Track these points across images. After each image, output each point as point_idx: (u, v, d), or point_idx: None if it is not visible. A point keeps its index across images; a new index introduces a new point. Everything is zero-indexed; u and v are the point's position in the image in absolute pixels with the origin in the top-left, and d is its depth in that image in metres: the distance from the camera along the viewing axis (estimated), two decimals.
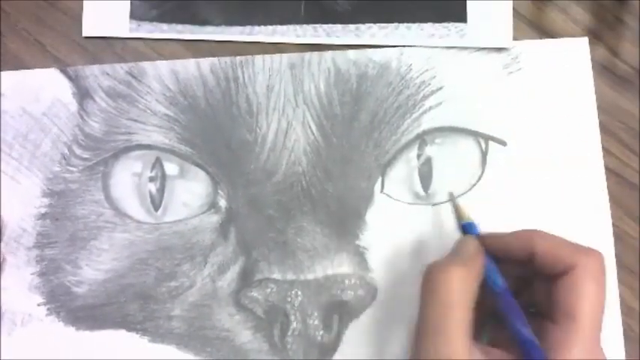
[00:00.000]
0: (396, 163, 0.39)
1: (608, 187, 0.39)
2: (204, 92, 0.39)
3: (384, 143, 0.39)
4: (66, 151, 0.39)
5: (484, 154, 0.39)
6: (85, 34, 0.40)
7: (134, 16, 0.40)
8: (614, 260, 0.39)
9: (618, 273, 0.39)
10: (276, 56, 0.40)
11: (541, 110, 0.40)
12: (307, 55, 0.40)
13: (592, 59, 0.40)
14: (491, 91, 0.40)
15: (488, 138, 0.39)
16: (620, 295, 0.39)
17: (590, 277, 0.31)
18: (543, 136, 0.39)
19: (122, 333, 0.38)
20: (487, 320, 0.34)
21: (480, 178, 0.39)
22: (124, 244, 0.38)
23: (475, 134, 0.39)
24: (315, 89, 0.39)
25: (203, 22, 0.40)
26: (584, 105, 0.40)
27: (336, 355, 0.38)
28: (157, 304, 0.38)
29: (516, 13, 0.41)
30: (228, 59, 0.40)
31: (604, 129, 0.40)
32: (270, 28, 0.40)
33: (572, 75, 0.40)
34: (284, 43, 0.40)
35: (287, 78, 0.40)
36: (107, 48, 0.40)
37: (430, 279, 0.32)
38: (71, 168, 0.39)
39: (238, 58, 0.40)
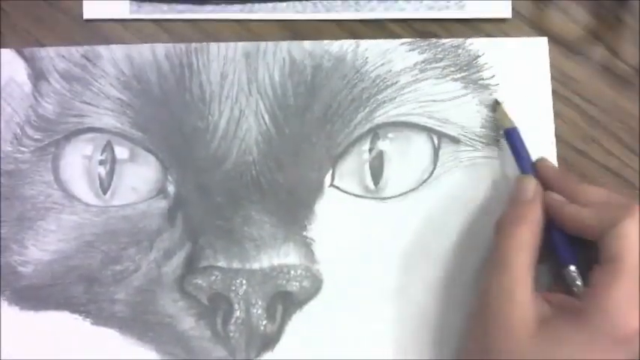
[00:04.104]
0: (347, 156, 0.39)
1: (608, 187, 0.39)
2: (157, 78, 0.39)
3: (336, 135, 0.39)
4: (18, 131, 0.39)
5: (436, 151, 0.39)
6: (86, 16, 0.40)
7: None
8: None
9: None
10: (232, 44, 0.40)
11: (496, 109, 0.39)
12: (262, 44, 0.40)
13: (592, 59, 0.41)
14: (446, 87, 0.40)
15: (441, 134, 0.39)
16: None
17: (635, 226, 0.32)
18: (496, 135, 0.39)
19: (65, 314, 0.38)
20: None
21: (431, 174, 0.39)
22: (71, 226, 0.38)
23: (428, 130, 0.39)
24: (269, 79, 0.39)
25: (203, 1, 0.40)
26: (541, 105, 0.40)
27: (279, 346, 0.38)
28: (102, 287, 0.38)
29: (516, 13, 0.41)
30: (183, 46, 0.40)
31: (604, 129, 0.40)
32: (270, 5, 0.40)
33: (530, 75, 0.40)
34: (284, 20, 0.40)
35: (241, 66, 0.39)
36: (105, 42, 0.40)
37: (499, 229, 0.35)
38: (22, 148, 0.39)
39: (193, 44, 0.40)
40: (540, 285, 0.35)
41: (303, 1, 0.40)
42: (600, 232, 0.33)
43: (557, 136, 0.40)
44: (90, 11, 0.41)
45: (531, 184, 0.36)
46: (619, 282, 0.31)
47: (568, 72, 0.41)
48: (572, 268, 0.35)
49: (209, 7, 0.41)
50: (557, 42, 0.41)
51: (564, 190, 0.35)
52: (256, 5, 0.40)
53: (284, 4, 0.40)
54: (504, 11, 0.41)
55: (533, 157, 0.38)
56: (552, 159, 0.39)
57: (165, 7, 0.40)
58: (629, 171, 0.40)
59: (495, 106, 0.39)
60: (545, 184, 0.36)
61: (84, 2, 0.41)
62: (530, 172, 0.37)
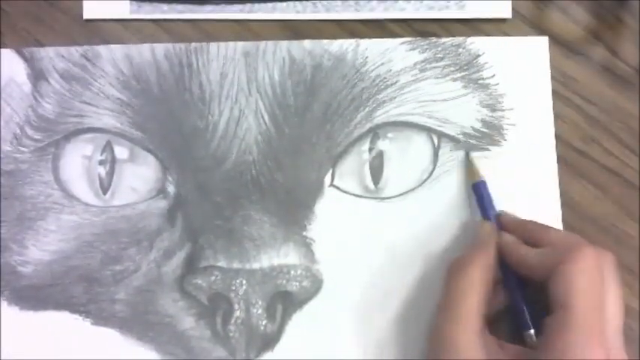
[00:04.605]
0: (347, 155, 0.39)
1: (608, 187, 0.40)
2: (157, 77, 0.39)
3: (336, 135, 0.39)
4: (18, 131, 0.39)
5: (436, 151, 0.39)
6: (86, 16, 0.40)
7: None
8: None
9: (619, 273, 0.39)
10: (231, 44, 0.40)
11: (495, 109, 0.39)
12: (262, 44, 0.40)
13: (592, 59, 0.41)
14: (446, 87, 0.39)
15: (440, 134, 0.39)
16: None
17: (581, 271, 0.31)
18: (496, 134, 0.39)
19: (65, 314, 0.38)
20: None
21: (431, 174, 0.39)
22: (71, 226, 0.38)
23: (428, 130, 0.39)
24: (269, 78, 0.39)
25: (203, 1, 0.40)
26: (541, 104, 0.40)
27: (279, 346, 0.38)
28: (102, 287, 0.38)
29: (516, 13, 0.41)
30: (182, 45, 0.40)
31: (604, 129, 0.40)
32: (269, 5, 0.40)
33: (530, 74, 0.40)
34: (284, 20, 0.40)
35: (241, 66, 0.39)
36: (105, 42, 0.40)
37: (450, 270, 0.35)
38: (22, 148, 0.39)
39: (193, 44, 0.40)
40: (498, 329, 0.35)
41: (303, 1, 0.40)
42: (545, 274, 0.32)
43: (557, 136, 0.40)
44: (90, 11, 0.41)
45: (488, 227, 0.36)
46: (569, 332, 0.30)
47: (568, 72, 0.41)
48: (530, 331, 0.34)
49: (209, 7, 0.41)
50: (557, 42, 0.41)
51: (526, 236, 0.35)
52: (256, 5, 0.40)
53: (284, 4, 0.40)
54: (504, 11, 0.41)
55: (533, 155, 0.39)
56: (552, 159, 0.39)
57: (165, 7, 0.40)
58: (629, 171, 0.40)
59: (466, 157, 0.39)
60: (506, 231, 0.36)
61: (84, 2, 0.41)
62: (493, 219, 0.37)
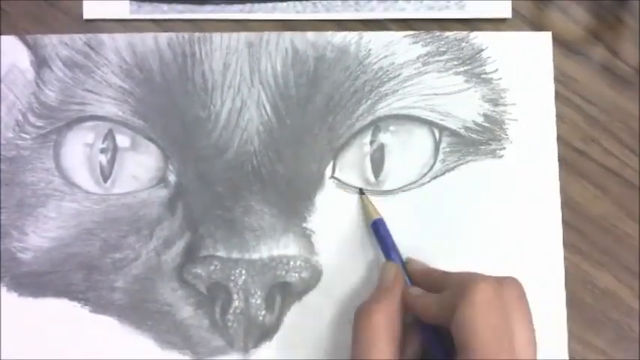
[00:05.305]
0: (348, 147, 0.39)
1: (608, 187, 0.40)
2: (160, 66, 0.39)
3: (337, 127, 0.39)
4: (20, 117, 0.39)
5: (437, 144, 0.39)
6: (86, 16, 0.40)
7: None
8: (562, 259, 0.39)
9: (619, 273, 0.39)
10: (234, 34, 0.40)
11: (498, 103, 0.39)
12: (265, 34, 0.40)
13: (592, 59, 0.41)
14: (449, 81, 0.39)
15: (442, 128, 0.39)
16: (620, 295, 0.39)
17: (476, 307, 0.30)
18: (498, 129, 0.39)
19: (64, 301, 0.38)
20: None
21: (431, 168, 0.39)
22: (72, 214, 0.39)
23: (430, 124, 0.39)
24: (271, 69, 0.39)
25: (203, 1, 0.40)
26: (543, 99, 0.40)
27: (277, 336, 0.38)
28: (101, 275, 0.38)
29: (516, 13, 0.41)
30: (186, 35, 0.40)
31: (604, 129, 0.40)
32: (269, 5, 0.40)
33: (532, 69, 0.40)
34: (284, 20, 0.40)
35: (244, 56, 0.39)
36: None
37: (355, 318, 0.33)
38: (24, 135, 0.39)
39: (196, 34, 0.40)
40: None
41: (303, 1, 0.40)
42: (446, 320, 0.31)
43: (557, 136, 0.40)
44: (90, 11, 0.41)
45: (392, 270, 0.35)
46: None
47: (568, 72, 0.41)
48: None
49: (209, 7, 0.40)
50: (558, 42, 0.41)
51: (431, 284, 0.34)
52: (256, 5, 0.40)
53: (284, 4, 0.40)
54: (504, 11, 0.40)
55: (534, 150, 0.39)
56: (553, 153, 0.39)
57: (165, 7, 0.40)
58: (629, 171, 0.40)
59: (360, 195, 0.38)
60: (413, 279, 0.36)
61: (84, 2, 0.40)
62: (396, 259, 0.36)
